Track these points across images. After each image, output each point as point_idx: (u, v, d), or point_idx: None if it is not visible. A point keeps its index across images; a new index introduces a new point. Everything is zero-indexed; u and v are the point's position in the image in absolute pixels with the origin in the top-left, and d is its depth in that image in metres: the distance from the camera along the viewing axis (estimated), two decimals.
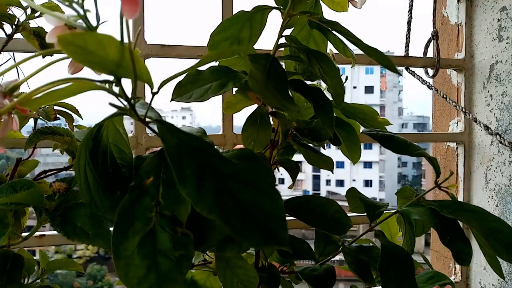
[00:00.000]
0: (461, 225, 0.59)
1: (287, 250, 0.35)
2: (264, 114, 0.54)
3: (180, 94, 0.47)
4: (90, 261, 17.00)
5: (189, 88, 0.47)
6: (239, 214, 0.35)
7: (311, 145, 0.67)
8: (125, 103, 0.38)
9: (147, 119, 0.40)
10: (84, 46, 0.32)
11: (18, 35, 0.60)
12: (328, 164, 0.68)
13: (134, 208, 0.40)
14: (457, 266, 1.04)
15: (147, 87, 0.46)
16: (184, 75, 0.49)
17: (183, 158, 0.36)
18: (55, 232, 0.74)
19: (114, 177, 0.46)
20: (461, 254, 0.54)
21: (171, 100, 0.47)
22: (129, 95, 0.38)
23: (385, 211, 0.66)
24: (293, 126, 0.62)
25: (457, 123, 1.03)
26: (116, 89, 0.37)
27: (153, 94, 0.38)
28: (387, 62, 0.43)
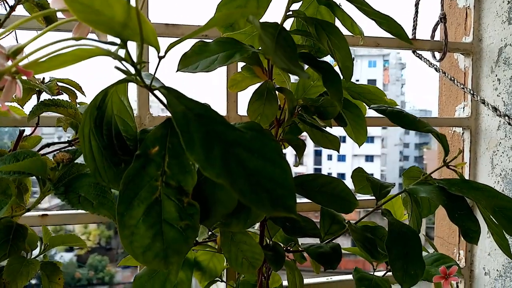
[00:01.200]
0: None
1: (295, 217, 0.35)
2: (271, 88, 0.53)
3: (186, 65, 0.46)
4: (91, 252, 17.08)
5: (194, 59, 0.46)
6: (247, 181, 0.34)
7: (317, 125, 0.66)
8: (131, 69, 0.37)
9: (152, 87, 0.39)
10: (90, 4, 0.31)
11: (19, 13, 0.59)
12: (334, 143, 0.67)
13: (140, 177, 0.39)
14: (461, 252, 1.04)
15: (151, 57, 0.45)
16: (190, 47, 0.48)
17: (191, 124, 0.36)
18: (57, 212, 0.74)
19: (119, 149, 0.46)
20: (469, 233, 0.53)
21: (177, 70, 0.46)
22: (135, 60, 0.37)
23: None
24: (299, 104, 0.61)
25: (463, 108, 1.02)
26: (122, 53, 0.36)
27: (160, 58, 0.37)
28: (399, 31, 0.42)
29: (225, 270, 0.82)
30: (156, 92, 0.40)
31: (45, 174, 0.41)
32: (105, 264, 16.20)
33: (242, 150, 0.36)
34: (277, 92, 0.57)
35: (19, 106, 0.65)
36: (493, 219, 0.55)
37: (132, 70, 0.37)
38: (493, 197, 0.54)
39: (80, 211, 0.78)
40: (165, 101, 0.39)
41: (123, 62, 0.37)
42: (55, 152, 0.44)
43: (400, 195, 0.73)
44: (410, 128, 0.53)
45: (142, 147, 0.40)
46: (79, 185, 0.42)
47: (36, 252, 0.59)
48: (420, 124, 0.53)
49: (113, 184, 0.42)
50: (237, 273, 0.69)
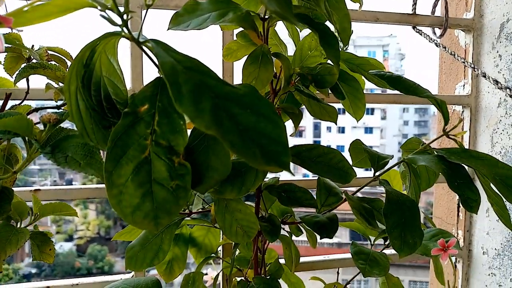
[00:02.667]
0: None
1: (289, 173, 0.33)
2: (266, 52, 0.51)
3: (177, 23, 0.44)
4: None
5: (186, 18, 0.45)
6: (239, 135, 0.33)
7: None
8: (118, 20, 0.35)
9: (140, 40, 0.37)
10: None
11: None
12: (332, 115, 0.66)
13: (128, 135, 0.38)
14: (460, 232, 1.03)
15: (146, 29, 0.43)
16: (182, 7, 0.47)
17: (179, 75, 0.34)
18: (50, 187, 0.72)
19: (108, 112, 0.44)
20: (469, 202, 0.52)
21: (168, 29, 0.44)
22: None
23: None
24: (296, 72, 0.60)
25: (463, 85, 1.00)
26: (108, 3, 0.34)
27: (147, 6, 0.36)
28: None
29: (221, 247, 0.81)
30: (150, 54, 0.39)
31: (31, 135, 0.40)
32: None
33: (234, 105, 0.35)
34: (273, 59, 0.55)
35: (9, 77, 0.63)
36: (494, 188, 0.54)
37: (119, 21, 0.35)
38: (493, 166, 0.53)
39: (73, 186, 0.77)
40: (155, 59, 0.38)
41: (110, 13, 0.35)
42: (42, 114, 0.43)
43: (399, 169, 0.72)
44: (409, 93, 0.51)
45: (131, 105, 0.39)
46: (67, 145, 0.40)
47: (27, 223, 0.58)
48: (420, 90, 0.51)
49: (102, 146, 0.41)
50: (233, 248, 0.68)
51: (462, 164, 0.55)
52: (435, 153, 0.56)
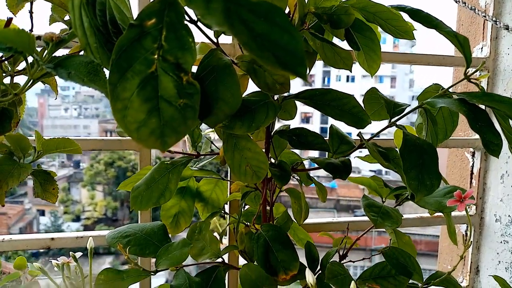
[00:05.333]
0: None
1: (305, 80, 0.31)
2: None
3: None
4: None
5: None
6: (253, 40, 0.31)
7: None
8: None
9: None
10: None
11: None
12: (346, 61, 0.63)
13: (134, 48, 0.36)
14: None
15: None
16: None
17: None
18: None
19: (114, 35, 0.42)
20: (490, 145, 0.49)
21: None
22: None
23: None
24: (311, 11, 0.57)
25: (481, 48, 0.97)
26: None
27: None
28: None
29: (228, 203, 0.79)
30: None
31: (32, 52, 0.38)
32: None
33: (247, 11, 0.32)
34: None
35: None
36: None
37: None
38: None
39: (79, 137, 0.75)
40: None
41: None
42: (44, 34, 0.41)
43: (415, 123, 0.69)
44: (430, 26, 0.48)
45: (137, 18, 0.37)
46: (70, 63, 0.38)
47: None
48: (441, 25, 0.48)
49: (106, 64, 0.39)
50: (241, 200, 0.66)
51: (484, 109, 0.52)
52: (456, 96, 0.53)
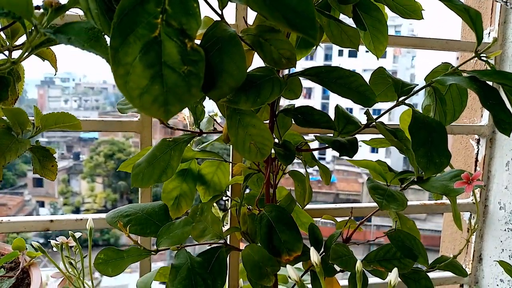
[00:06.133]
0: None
1: (314, 42, 0.30)
2: None
3: None
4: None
5: None
6: (263, 2, 0.29)
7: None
8: None
9: None
10: None
11: None
12: (353, 39, 0.62)
13: (136, 12, 0.34)
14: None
15: None
16: None
17: None
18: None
19: (114, 1, 0.40)
20: (501, 123, 0.48)
21: None
22: None
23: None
24: None
25: (489, 33, 0.95)
26: None
27: None
28: None
29: (230, 187, 0.78)
30: None
31: (31, 16, 0.36)
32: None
33: None
34: None
35: None
36: None
37: None
38: None
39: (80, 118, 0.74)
40: None
41: None
42: None
43: (421, 105, 0.68)
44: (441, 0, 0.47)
45: None
46: (70, 30, 0.37)
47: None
48: None
49: (106, 31, 0.38)
50: (243, 182, 0.65)
51: (495, 87, 0.51)
52: (466, 74, 0.52)
